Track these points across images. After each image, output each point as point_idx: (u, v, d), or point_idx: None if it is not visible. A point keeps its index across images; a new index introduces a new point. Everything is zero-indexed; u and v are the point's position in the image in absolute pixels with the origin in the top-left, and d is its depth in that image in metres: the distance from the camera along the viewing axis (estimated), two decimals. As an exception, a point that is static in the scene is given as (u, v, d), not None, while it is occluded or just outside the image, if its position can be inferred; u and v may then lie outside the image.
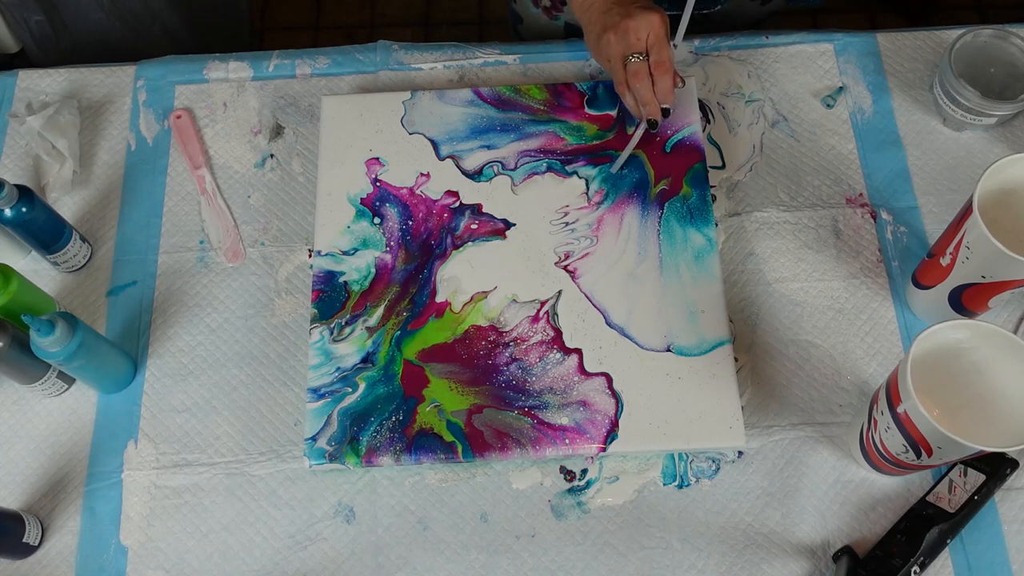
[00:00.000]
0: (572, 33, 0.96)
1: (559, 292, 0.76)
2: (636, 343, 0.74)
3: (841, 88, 0.87)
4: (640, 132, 0.77)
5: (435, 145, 0.83)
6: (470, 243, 0.79)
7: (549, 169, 0.81)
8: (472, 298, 0.77)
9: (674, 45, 0.72)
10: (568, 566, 0.71)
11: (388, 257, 0.79)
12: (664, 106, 0.74)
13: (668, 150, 0.82)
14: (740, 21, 0.93)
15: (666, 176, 0.80)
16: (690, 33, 0.90)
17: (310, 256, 0.82)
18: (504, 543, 0.72)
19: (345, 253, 0.79)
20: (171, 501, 0.74)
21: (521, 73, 0.90)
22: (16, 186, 0.74)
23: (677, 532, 0.71)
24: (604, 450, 0.71)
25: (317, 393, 0.73)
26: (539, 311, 0.76)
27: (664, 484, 0.73)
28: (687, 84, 0.84)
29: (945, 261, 0.69)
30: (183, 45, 1.18)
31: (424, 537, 0.72)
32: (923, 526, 0.68)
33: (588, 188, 0.80)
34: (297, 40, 1.74)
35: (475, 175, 0.82)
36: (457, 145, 0.83)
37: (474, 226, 0.80)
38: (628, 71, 0.72)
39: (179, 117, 0.89)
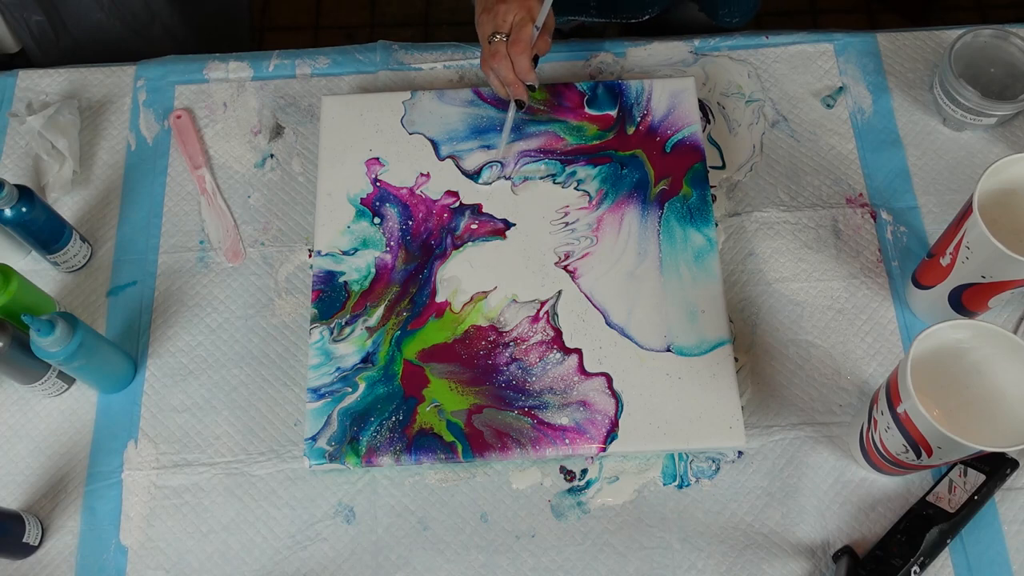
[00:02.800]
0: (559, 39, 0.96)
1: (559, 292, 0.77)
2: (636, 343, 0.74)
3: (841, 88, 0.87)
4: (512, 113, 0.78)
5: (435, 145, 0.83)
6: (470, 243, 0.79)
7: (547, 169, 0.82)
8: (472, 298, 0.77)
9: (536, 27, 0.72)
10: (568, 566, 0.71)
11: (388, 257, 0.79)
12: (528, 83, 0.74)
13: (668, 150, 0.82)
14: (697, 30, 0.93)
15: (666, 176, 0.80)
16: (657, 35, 0.90)
17: (310, 256, 0.82)
18: (504, 543, 0.72)
19: (345, 253, 0.79)
20: (171, 501, 0.74)
21: (521, 73, 0.90)
22: (16, 186, 0.74)
23: (677, 532, 0.71)
24: (604, 450, 0.71)
25: (317, 393, 0.73)
26: (539, 311, 0.76)
27: (664, 484, 0.73)
28: (687, 84, 0.84)
29: (945, 261, 0.69)
30: (183, 45, 1.18)
31: (424, 537, 0.72)
32: (923, 526, 0.68)
33: (582, 188, 0.80)
34: (297, 40, 1.74)
35: (475, 175, 0.82)
36: (457, 145, 0.83)
37: (474, 226, 0.80)
38: (489, 50, 0.74)
39: (179, 117, 0.89)
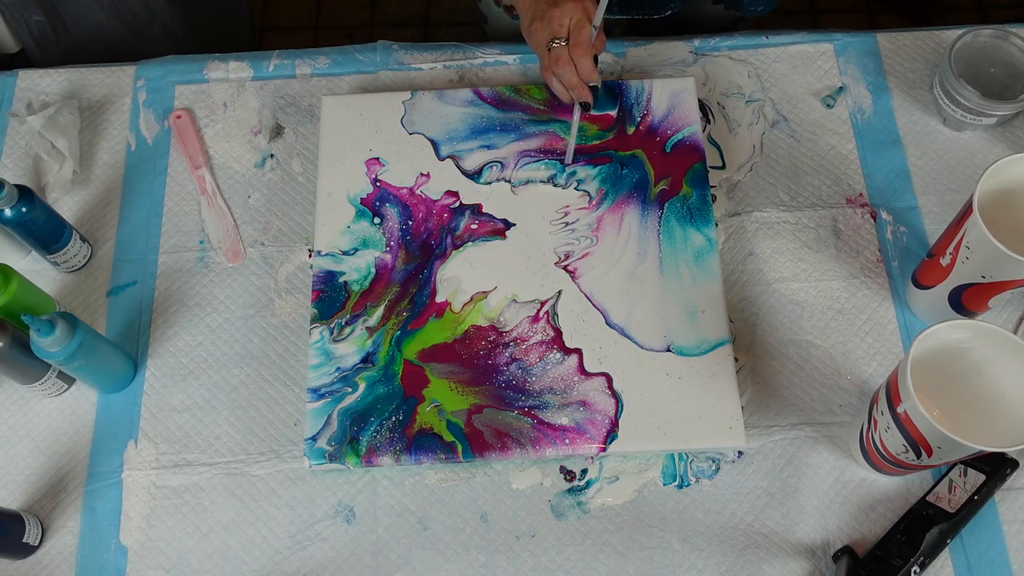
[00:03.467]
0: None
1: (559, 292, 0.77)
2: (636, 343, 0.74)
3: (841, 88, 0.87)
4: (577, 116, 0.78)
5: (435, 145, 0.83)
6: (470, 243, 0.79)
7: (547, 170, 0.81)
8: (472, 298, 0.77)
9: (594, 28, 0.72)
10: (568, 566, 0.71)
11: (388, 257, 0.79)
12: (591, 84, 0.74)
13: (668, 150, 0.82)
14: (711, 25, 0.93)
15: (666, 176, 0.80)
16: (669, 35, 0.90)
17: (310, 256, 0.82)
18: (504, 543, 0.72)
19: (345, 253, 0.79)
20: (171, 501, 0.74)
21: (521, 73, 0.90)
22: (16, 186, 0.74)
23: (677, 532, 0.71)
24: (604, 450, 0.71)
25: (317, 393, 0.73)
26: (539, 311, 0.76)
27: (664, 484, 0.73)
28: (687, 84, 0.84)
29: (945, 261, 0.69)
30: (183, 45, 1.18)
31: (424, 537, 0.72)
32: (923, 526, 0.68)
33: (582, 188, 0.80)
34: (297, 40, 1.74)
35: (475, 175, 0.82)
36: (457, 145, 0.83)
37: (474, 226, 0.80)
38: (551, 57, 0.73)
39: (179, 117, 0.89)
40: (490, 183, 0.81)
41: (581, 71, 0.73)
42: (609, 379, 0.73)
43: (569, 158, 0.81)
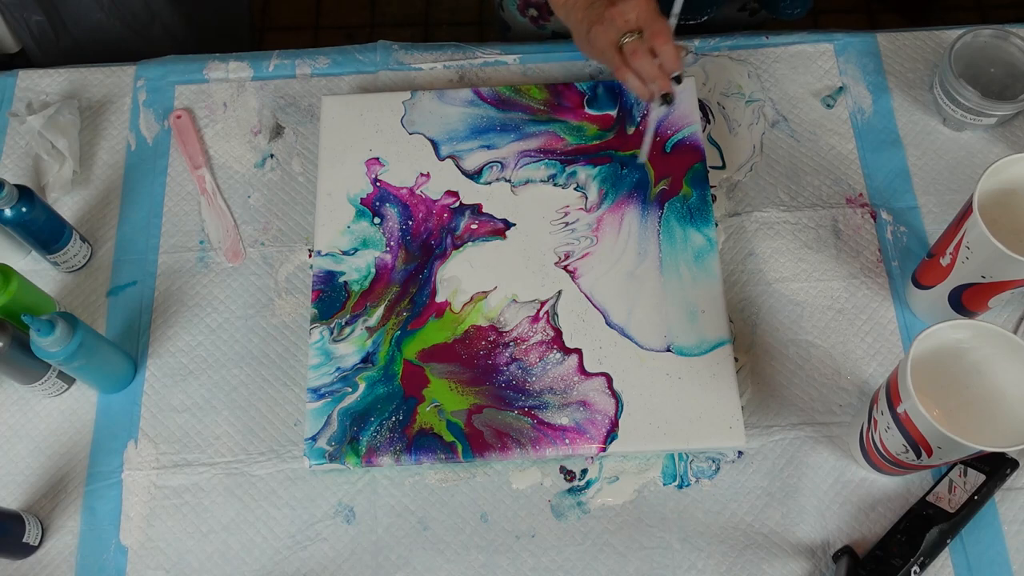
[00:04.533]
0: (560, 40, 0.96)
1: (559, 292, 0.76)
2: (636, 343, 0.74)
3: (841, 88, 0.87)
4: (657, 112, 0.74)
5: (435, 145, 0.83)
6: (470, 243, 0.79)
7: (547, 170, 0.81)
8: (472, 298, 0.77)
9: (674, 16, 0.69)
10: (568, 566, 0.71)
11: (388, 257, 0.79)
12: (675, 74, 0.70)
13: (668, 150, 0.82)
14: (729, 28, 0.93)
15: (666, 176, 0.80)
16: (682, 37, 0.90)
17: (310, 256, 0.82)
18: (504, 543, 0.72)
19: (345, 253, 0.79)
20: (171, 501, 0.74)
21: (521, 73, 0.90)
22: (16, 186, 0.74)
23: (677, 532, 0.71)
24: (604, 450, 0.71)
25: (317, 393, 0.73)
26: (539, 311, 0.76)
27: (664, 484, 0.73)
28: (687, 84, 0.84)
29: (945, 261, 0.69)
30: (183, 45, 1.18)
31: (424, 537, 0.72)
32: (923, 526, 0.68)
33: (587, 197, 0.80)
34: (297, 40, 1.74)
35: (475, 175, 0.82)
36: (457, 145, 0.83)
37: (474, 226, 0.80)
38: (625, 53, 0.69)
39: (179, 117, 0.89)
40: (490, 183, 0.81)
41: (666, 60, 0.69)
42: (609, 379, 0.73)
43: (644, 156, 0.79)
